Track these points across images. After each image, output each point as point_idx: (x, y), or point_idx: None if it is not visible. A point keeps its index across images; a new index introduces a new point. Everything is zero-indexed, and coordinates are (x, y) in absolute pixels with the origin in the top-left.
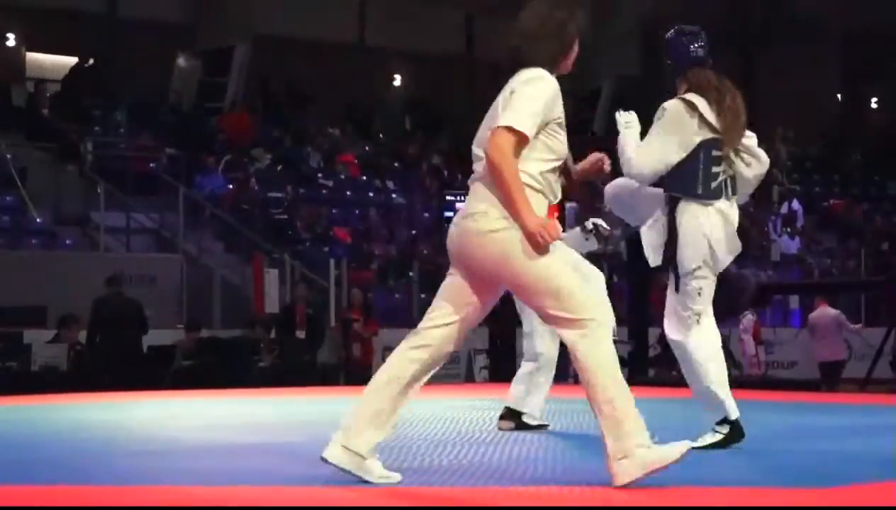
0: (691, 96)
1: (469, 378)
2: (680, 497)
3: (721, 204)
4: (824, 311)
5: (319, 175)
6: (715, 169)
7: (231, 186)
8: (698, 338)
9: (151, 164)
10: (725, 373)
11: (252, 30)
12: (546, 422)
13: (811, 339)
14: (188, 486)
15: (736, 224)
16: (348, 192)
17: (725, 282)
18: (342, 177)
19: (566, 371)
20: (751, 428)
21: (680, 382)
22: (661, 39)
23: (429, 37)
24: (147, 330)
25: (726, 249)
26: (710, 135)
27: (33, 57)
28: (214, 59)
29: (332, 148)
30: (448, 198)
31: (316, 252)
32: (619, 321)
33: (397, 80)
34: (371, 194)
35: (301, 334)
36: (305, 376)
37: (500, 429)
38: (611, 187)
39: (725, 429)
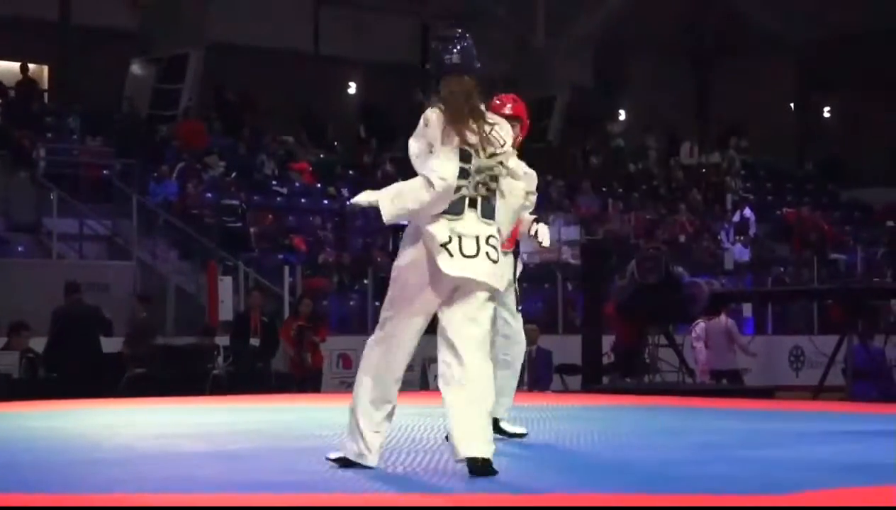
0: (442, 105)
1: (424, 386)
2: (625, 502)
3: (455, 218)
4: (718, 320)
5: (273, 182)
6: (459, 182)
7: (185, 193)
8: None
9: (105, 171)
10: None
11: (206, 37)
12: (525, 431)
13: (708, 347)
14: (140, 494)
15: (479, 234)
16: (302, 200)
17: (679, 290)
18: (296, 184)
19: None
20: (703, 435)
21: (633, 390)
22: (615, 50)
23: (383, 45)
24: (111, 332)
25: (442, 234)
26: (456, 147)
27: None
28: (168, 66)
29: (287, 155)
30: None
31: (270, 259)
32: (573, 329)
33: (352, 88)
34: (325, 202)
35: (255, 342)
36: (259, 384)
37: None
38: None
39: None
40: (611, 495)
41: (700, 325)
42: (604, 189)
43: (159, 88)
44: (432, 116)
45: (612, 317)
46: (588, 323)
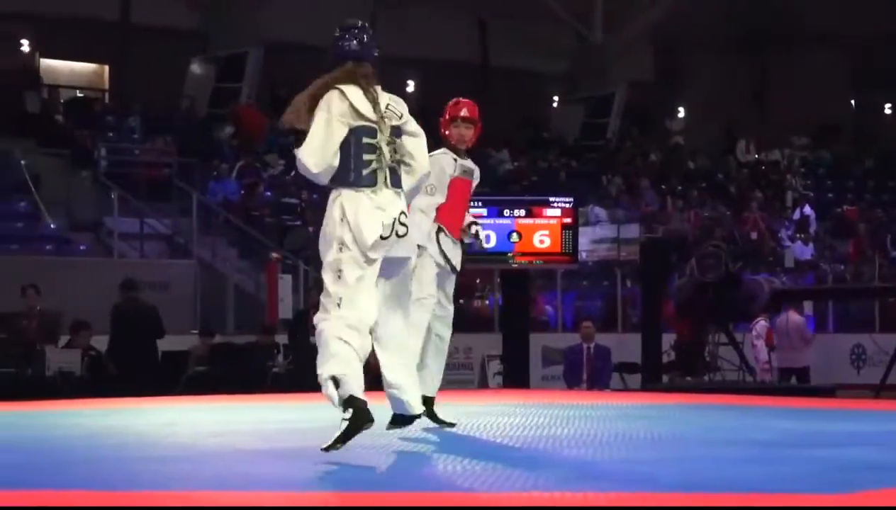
0: (343, 85)
1: (483, 384)
2: (686, 501)
3: (373, 193)
4: (790, 318)
5: None
6: (367, 156)
7: (244, 192)
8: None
9: (165, 170)
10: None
11: (265, 36)
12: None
13: (777, 346)
14: (199, 491)
15: (393, 213)
16: None
17: (739, 288)
18: None
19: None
20: (763, 434)
21: (694, 388)
22: (673, 46)
23: (441, 43)
24: (163, 335)
25: (373, 234)
26: (361, 123)
27: (47, 63)
28: (228, 65)
29: None
30: None
31: None
32: (633, 327)
33: (410, 87)
34: None
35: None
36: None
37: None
38: None
39: (349, 414)
40: (664, 495)
41: (761, 323)
42: (663, 186)
43: (219, 87)
44: (334, 97)
45: (672, 316)
46: (648, 321)
